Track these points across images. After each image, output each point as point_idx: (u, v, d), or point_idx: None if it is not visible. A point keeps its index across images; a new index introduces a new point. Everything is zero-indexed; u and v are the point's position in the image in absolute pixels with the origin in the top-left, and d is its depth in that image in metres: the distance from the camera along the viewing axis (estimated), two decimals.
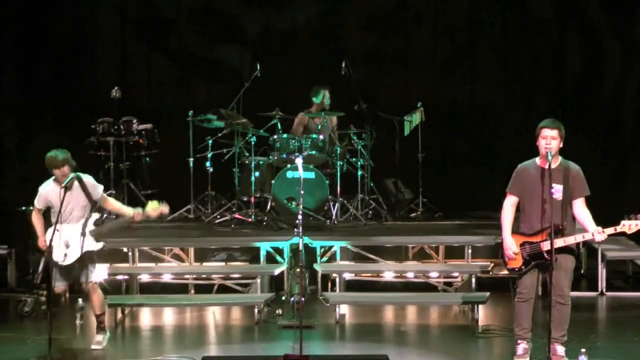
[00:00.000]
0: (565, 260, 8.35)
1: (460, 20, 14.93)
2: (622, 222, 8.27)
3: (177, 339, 9.93)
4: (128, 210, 9.11)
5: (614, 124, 14.65)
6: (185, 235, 11.81)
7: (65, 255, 8.87)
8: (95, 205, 8.99)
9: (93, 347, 9.11)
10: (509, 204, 8.48)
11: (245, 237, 11.64)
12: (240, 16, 14.89)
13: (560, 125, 8.33)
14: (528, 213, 8.39)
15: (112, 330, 9.99)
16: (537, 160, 8.44)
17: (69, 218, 8.91)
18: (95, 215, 8.99)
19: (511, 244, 8.38)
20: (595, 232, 8.26)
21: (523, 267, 8.41)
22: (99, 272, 9.22)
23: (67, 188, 8.84)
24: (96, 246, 9.01)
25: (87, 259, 8.97)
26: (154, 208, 8.99)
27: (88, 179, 9.03)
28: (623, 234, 8.35)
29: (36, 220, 9.08)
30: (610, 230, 8.28)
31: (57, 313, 8.71)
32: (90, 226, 8.92)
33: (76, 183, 8.91)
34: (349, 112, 12.81)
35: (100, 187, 9.12)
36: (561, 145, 8.34)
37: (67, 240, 8.87)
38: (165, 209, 9.07)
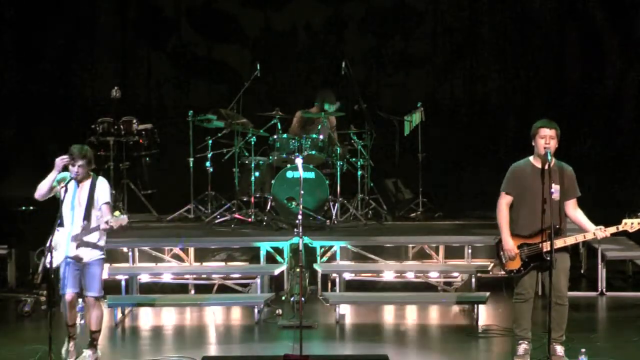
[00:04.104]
0: (563, 260, 8.35)
1: (460, 20, 14.94)
2: (624, 220, 8.27)
3: (177, 339, 9.93)
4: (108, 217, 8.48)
5: (614, 123, 14.65)
6: (185, 235, 11.80)
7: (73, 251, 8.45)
8: (93, 208, 8.49)
9: None
10: (505, 203, 8.44)
11: (245, 237, 11.63)
12: (240, 16, 14.91)
13: (557, 125, 8.35)
14: (524, 213, 8.36)
15: (112, 330, 10.01)
16: (532, 159, 8.42)
17: (73, 219, 8.49)
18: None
19: (512, 247, 8.37)
20: (596, 231, 8.26)
21: (522, 269, 8.40)
22: (101, 286, 8.68)
23: (78, 181, 8.52)
24: (96, 256, 8.56)
25: (87, 268, 8.54)
26: (115, 217, 8.36)
27: (103, 183, 8.63)
28: (624, 233, 8.35)
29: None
30: (612, 229, 8.29)
31: (57, 313, 8.66)
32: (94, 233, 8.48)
33: (88, 182, 8.52)
34: (349, 112, 12.81)
35: (108, 198, 8.58)
36: (557, 145, 8.34)
37: (73, 240, 8.53)
38: (123, 221, 8.39)
